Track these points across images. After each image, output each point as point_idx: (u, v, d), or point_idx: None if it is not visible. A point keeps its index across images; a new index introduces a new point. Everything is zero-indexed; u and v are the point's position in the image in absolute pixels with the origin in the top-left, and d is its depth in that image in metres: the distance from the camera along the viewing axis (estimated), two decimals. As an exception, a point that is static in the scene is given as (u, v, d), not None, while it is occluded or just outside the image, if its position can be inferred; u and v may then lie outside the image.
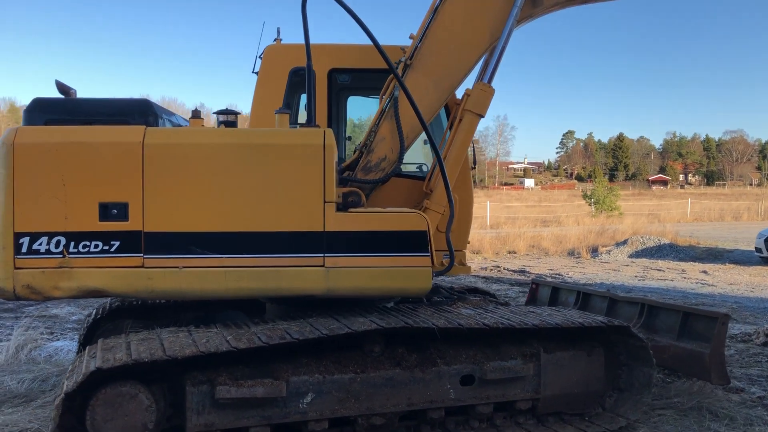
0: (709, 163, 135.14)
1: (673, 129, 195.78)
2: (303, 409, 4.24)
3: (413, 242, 4.43)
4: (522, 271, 16.03)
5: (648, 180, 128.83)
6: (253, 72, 5.82)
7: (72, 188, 4.16)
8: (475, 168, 7.23)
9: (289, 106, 5.78)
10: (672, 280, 14.25)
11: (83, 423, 3.77)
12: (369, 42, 5.17)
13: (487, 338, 4.76)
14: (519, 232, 25.07)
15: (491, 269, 16.57)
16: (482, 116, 5.32)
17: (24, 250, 4.12)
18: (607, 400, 5.11)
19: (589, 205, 37.58)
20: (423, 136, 5.92)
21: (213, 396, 3.99)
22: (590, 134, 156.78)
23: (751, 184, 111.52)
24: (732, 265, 16.89)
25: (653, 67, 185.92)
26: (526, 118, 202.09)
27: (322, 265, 4.33)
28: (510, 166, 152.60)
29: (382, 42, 4.95)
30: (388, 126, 5.30)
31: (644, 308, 6.03)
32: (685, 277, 14.68)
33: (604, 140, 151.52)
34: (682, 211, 39.03)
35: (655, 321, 5.89)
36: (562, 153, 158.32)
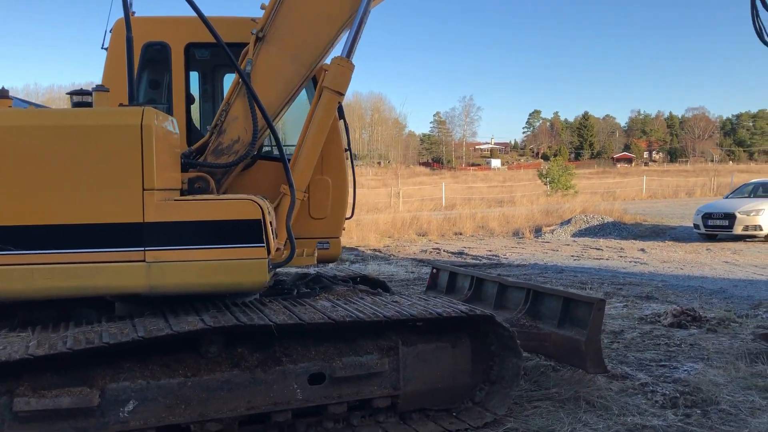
0: (672, 141, 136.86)
1: (638, 107, 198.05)
2: (124, 418, 3.87)
3: (246, 232, 4.05)
4: (461, 253, 15.79)
5: (613, 158, 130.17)
6: (102, 48, 5.37)
7: None
8: (349, 149, 6.89)
9: (142, 83, 5.37)
10: (607, 259, 14.13)
11: None
12: (232, 14, 4.80)
13: (341, 333, 4.42)
14: (470, 213, 24.86)
15: (430, 251, 16.31)
16: (342, 93, 4.95)
17: None
18: (478, 394, 4.83)
19: (545, 184, 37.56)
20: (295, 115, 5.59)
21: (11, 409, 3.60)
22: (556, 114, 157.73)
23: (712, 161, 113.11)
24: (671, 243, 16.86)
25: (618, 46, 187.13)
26: (492, 99, 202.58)
27: (143, 260, 3.94)
28: (477, 147, 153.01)
29: (231, 13, 4.55)
30: (241, 104, 4.91)
31: (530, 294, 5.76)
32: (621, 256, 14.58)
33: (570, 119, 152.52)
34: (638, 189, 39.25)
35: (540, 307, 5.62)
36: (529, 133, 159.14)
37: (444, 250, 16.43)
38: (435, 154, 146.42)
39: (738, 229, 16.07)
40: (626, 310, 8.54)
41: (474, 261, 14.43)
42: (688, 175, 60.09)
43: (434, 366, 4.63)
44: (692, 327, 7.39)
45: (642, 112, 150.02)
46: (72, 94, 4.96)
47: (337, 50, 5.08)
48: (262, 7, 4.95)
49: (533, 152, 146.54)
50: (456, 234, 20.92)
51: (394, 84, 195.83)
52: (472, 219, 23.03)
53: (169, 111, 5.35)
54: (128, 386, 3.87)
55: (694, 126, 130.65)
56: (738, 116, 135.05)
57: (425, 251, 16.40)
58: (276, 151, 5.81)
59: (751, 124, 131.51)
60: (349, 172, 6.18)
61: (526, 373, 5.69)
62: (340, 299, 4.91)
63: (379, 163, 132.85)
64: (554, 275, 12.07)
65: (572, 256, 14.83)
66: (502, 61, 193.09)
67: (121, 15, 5.27)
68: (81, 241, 3.89)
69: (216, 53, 5.50)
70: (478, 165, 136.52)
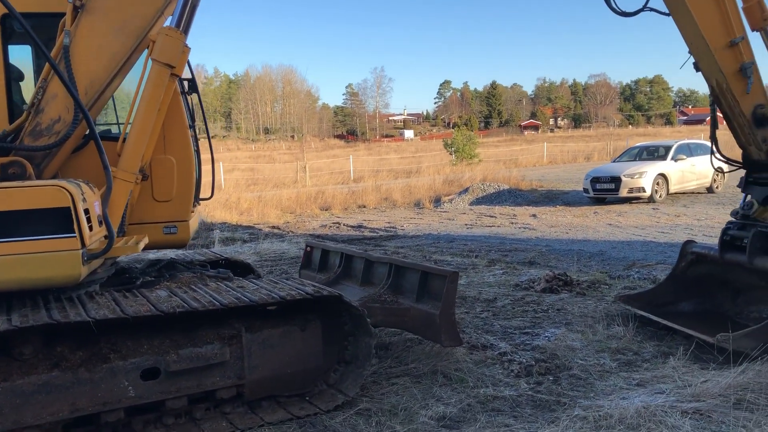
0: (576, 107, 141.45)
1: (544, 75, 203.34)
2: None
3: (54, 222, 3.70)
4: (360, 226, 15.68)
5: (520, 126, 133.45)
6: None
7: None
8: (206, 125, 6.57)
9: None
10: (499, 226, 14.35)
11: None
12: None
13: (177, 323, 4.16)
14: (375, 185, 24.79)
15: (330, 226, 16.12)
16: (172, 66, 4.61)
17: None
18: (332, 376, 4.69)
19: (450, 154, 37.97)
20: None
21: None
22: (465, 83, 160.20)
23: (613, 126, 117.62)
24: (562, 207, 17.33)
25: (523, 16, 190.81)
26: (403, 70, 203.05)
27: (-65, 258, 3.54)
28: (390, 118, 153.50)
29: None
30: (60, 81, 4.48)
31: (392, 269, 5.66)
32: (512, 222, 14.85)
33: (480, 89, 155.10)
34: (539, 155, 40.29)
35: (403, 282, 5.53)
36: (440, 103, 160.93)
37: (344, 224, 16.27)
38: (349, 126, 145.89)
39: (623, 192, 16.67)
40: (505, 277, 8.63)
41: (371, 234, 14.35)
42: (590, 140, 62.13)
43: (283, 351, 4.45)
44: (563, 291, 7.53)
45: (547, 79, 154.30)
46: None
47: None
48: (78, -27, 4.51)
49: (445, 122, 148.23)
50: (360, 207, 20.80)
51: (304, 56, 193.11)
52: (376, 191, 22.99)
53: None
54: (-75, 397, 3.49)
55: (596, 92, 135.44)
56: (636, 82, 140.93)
57: (325, 226, 16.19)
58: (115, 130, 5.44)
59: (648, 89, 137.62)
60: (201, 150, 5.87)
61: (389, 349, 5.62)
62: (181, 287, 4.64)
63: (292, 136, 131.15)
64: (446, 244, 12.14)
65: (466, 224, 14.99)
66: (412, 31, 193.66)
67: None
68: None
69: (44, 25, 5.02)
70: (392, 136, 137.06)
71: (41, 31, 4.77)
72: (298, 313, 4.53)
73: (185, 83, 6.11)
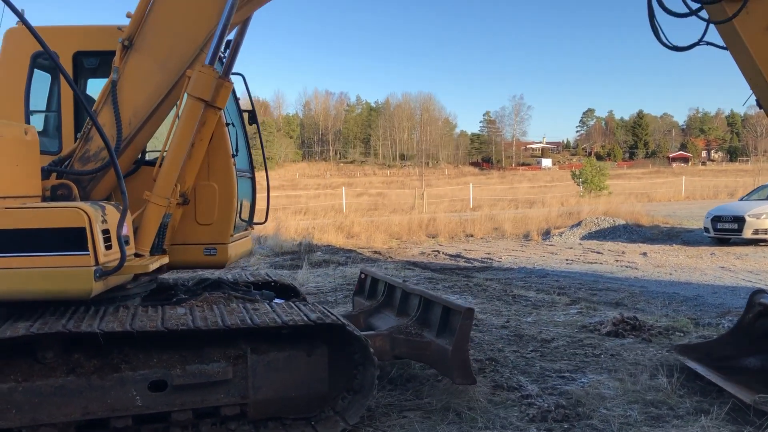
0: (732, 139, 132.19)
1: (696, 105, 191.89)
2: (-49, 420, 3.97)
3: (70, 240, 4.09)
4: (458, 256, 15.62)
5: (668, 157, 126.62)
6: None
7: None
8: (263, 153, 6.91)
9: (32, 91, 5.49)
10: (601, 263, 13.73)
11: None
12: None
13: (188, 340, 4.43)
14: (489, 215, 24.57)
15: (429, 254, 16.19)
16: (205, 100, 4.95)
17: None
18: (339, 403, 4.75)
19: (578, 185, 36.74)
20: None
21: None
22: (611, 112, 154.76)
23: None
24: (679, 246, 16.26)
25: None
26: (543, 98, 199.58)
27: (-27, 267, 4.04)
28: (528, 147, 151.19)
29: (100, 22, 4.63)
30: (108, 111, 4.98)
31: (421, 301, 5.66)
32: (617, 260, 14.14)
33: (626, 118, 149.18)
34: (677, 190, 37.99)
35: (430, 315, 5.51)
36: (582, 132, 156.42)
37: (443, 253, 16.28)
38: (485, 154, 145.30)
39: (747, 233, 15.36)
40: (578, 317, 8.28)
41: (465, 264, 14.26)
42: (746, 174, 57.80)
43: (288, 374, 4.58)
44: (629, 336, 7.12)
45: (701, 110, 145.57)
46: None
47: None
48: (128, 15, 5.00)
49: (586, 151, 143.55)
50: (467, 236, 20.70)
51: (443, 83, 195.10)
52: (489, 221, 22.79)
53: (58, 118, 5.47)
54: (-43, 390, 3.97)
55: (757, 124, 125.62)
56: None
57: (423, 253, 16.28)
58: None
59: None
60: (243, 177, 6.19)
61: (411, 381, 5.60)
62: (202, 306, 4.92)
63: (427, 163, 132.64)
64: (536, 279, 11.81)
65: (567, 259, 14.47)
66: (553, 58, 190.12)
67: (11, 25, 5.44)
68: None
69: (106, 61, 5.59)
70: (529, 165, 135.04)
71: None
72: (305, 339, 4.66)
73: (245, 114, 6.53)
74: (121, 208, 4.63)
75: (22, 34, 5.46)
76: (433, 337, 5.23)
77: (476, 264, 14.20)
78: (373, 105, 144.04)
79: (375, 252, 16.69)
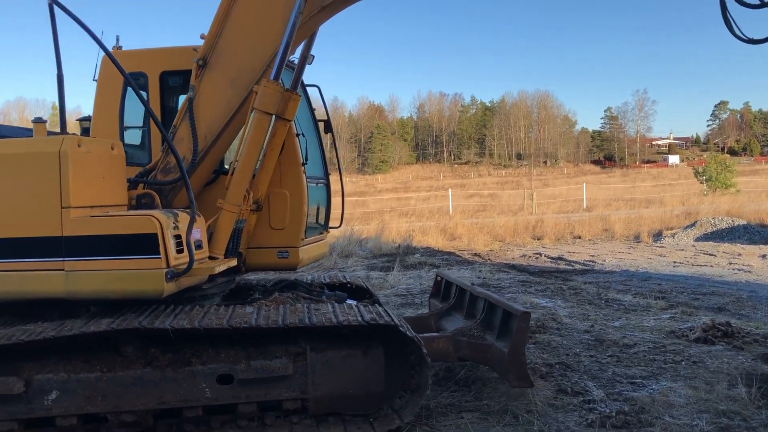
0: None
1: None
2: (47, 405, 4.49)
3: (143, 245, 4.51)
4: (560, 258, 15.30)
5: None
6: (93, 80, 6.11)
7: None
8: (338, 160, 7.16)
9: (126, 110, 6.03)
10: (711, 266, 13.00)
11: None
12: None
13: (252, 337, 4.74)
14: (600, 215, 23.81)
15: (530, 256, 15.96)
16: (271, 114, 5.26)
17: None
18: (397, 401, 4.90)
19: (701, 183, 34.65)
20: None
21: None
22: (746, 104, 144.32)
23: None
24: (807, 248, 15.05)
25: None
26: (669, 91, 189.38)
27: (62, 269, 4.55)
28: (653, 143, 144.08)
29: (176, 43, 5.07)
30: (186, 126, 5.40)
31: (485, 304, 5.69)
32: (731, 263, 13.32)
33: (765, 109, 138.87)
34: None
35: (493, 318, 5.54)
36: (714, 126, 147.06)
37: (545, 255, 15.99)
38: (607, 151, 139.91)
39: None
40: (669, 322, 7.95)
41: (566, 267, 13.97)
42: None
43: (345, 372, 4.79)
44: (719, 343, 6.76)
45: None
46: (81, 120, 5.79)
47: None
48: (202, 37, 5.41)
49: (718, 147, 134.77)
50: (574, 238, 20.17)
51: (561, 80, 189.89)
52: (601, 221, 22.10)
53: (148, 134, 5.99)
54: (52, 378, 4.49)
55: None
56: None
57: (524, 256, 16.07)
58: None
59: None
60: (316, 184, 6.47)
61: (474, 383, 5.65)
62: (270, 306, 5.23)
63: (545, 162, 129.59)
64: (636, 283, 11.39)
65: (674, 262, 13.80)
66: (680, 48, 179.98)
67: (110, 49, 6.03)
68: (11, 252, 4.57)
69: (188, 79, 6.05)
70: (654, 162, 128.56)
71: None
72: (361, 339, 4.84)
73: (321, 124, 6.84)
74: (197, 215, 5.04)
75: (118, 57, 6.04)
76: (494, 340, 5.27)
77: (577, 267, 13.86)
78: (488, 104, 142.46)
79: (475, 254, 16.66)
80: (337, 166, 7.25)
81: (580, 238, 20.05)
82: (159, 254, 4.51)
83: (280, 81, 5.67)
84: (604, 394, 5.30)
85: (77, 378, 4.52)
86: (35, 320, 4.97)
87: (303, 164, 5.93)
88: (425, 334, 5.61)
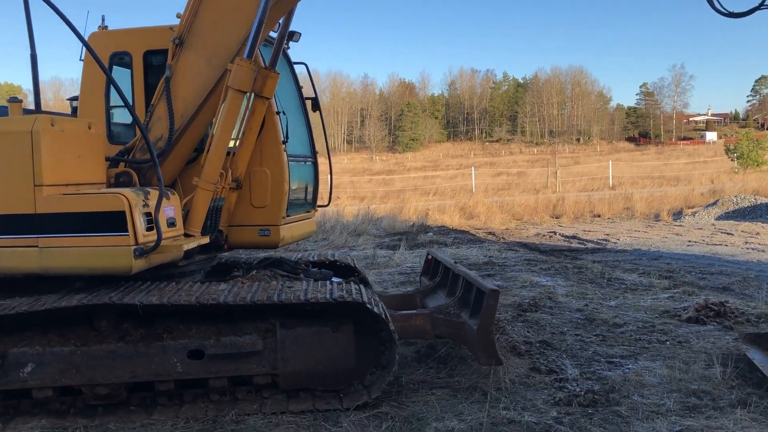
0: None
1: None
2: (23, 378, 4.64)
3: (112, 222, 4.59)
4: (573, 237, 15.15)
5: None
6: (80, 59, 6.19)
7: None
8: (325, 139, 7.16)
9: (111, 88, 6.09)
10: (726, 245, 12.74)
11: None
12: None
13: (222, 313, 4.82)
14: (622, 193, 23.45)
15: (544, 235, 15.83)
16: (245, 92, 5.28)
17: None
18: (368, 378, 4.94)
19: (732, 160, 33.82)
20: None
21: None
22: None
23: None
24: (830, 227, 14.64)
25: None
26: (707, 66, 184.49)
27: (36, 246, 4.67)
28: (690, 119, 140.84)
29: (164, 22, 5.13)
30: (163, 105, 5.46)
31: (463, 282, 5.69)
32: (746, 242, 13.04)
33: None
34: None
35: (470, 296, 5.53)
36: (754, 101, 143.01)
37: (559, 234, 15.84)
38: (642, 128, 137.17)
39: None
40: (666, 302, 7.84)
41: (578, 245, 13.83)
42: None
43: (314, 349, 4.83)
44: (711, 323, 6.66)
45: None
46: (71, 99, 5.91)
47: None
48: (178, 16, 5.44)
49: (757, 123, 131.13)
50: (594, 216, 19.93)
51: (596, 56, 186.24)
52: (622, 200, 21.76)
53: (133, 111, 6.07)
54: (27, 351, 4.63)
55: None
56: None
57: (539, 235, 15.95)
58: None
59: None
60: (301, 162, 6.49)
61: (451, 360, 5.66)
62: (245, 283, 5.29)
63: (578, 139, 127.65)
64: (646, 262, 11.23)
65: (689, 241, 13.56)
66: (718, 22, 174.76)
67: (95, 29, 6.10)
68: None
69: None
70: (690, 139, 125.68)
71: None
72: (329, 316, 4.88)
73: (309, 102, 6.85)
74: (171, 193, 5.12)
75: (103, 36, 6.12)
76: (467, 318, 5.27)
77: (589, 245, 13.71)
78: (520, 81, 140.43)
79: (488, 233, 16.58)
80: (325, 146, 7.24)
81: (599, 216, 19.80)
82: (127, 231, 4.60)
83: (261, 59, 5.69)
84: (579, 372, 5.27)
85: (52, 351, 4.66)
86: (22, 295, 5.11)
87: (284, 142, 5.96)
88: (402, 312, 5.63)
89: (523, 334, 6.44)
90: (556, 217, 19.79)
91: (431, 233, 16.08)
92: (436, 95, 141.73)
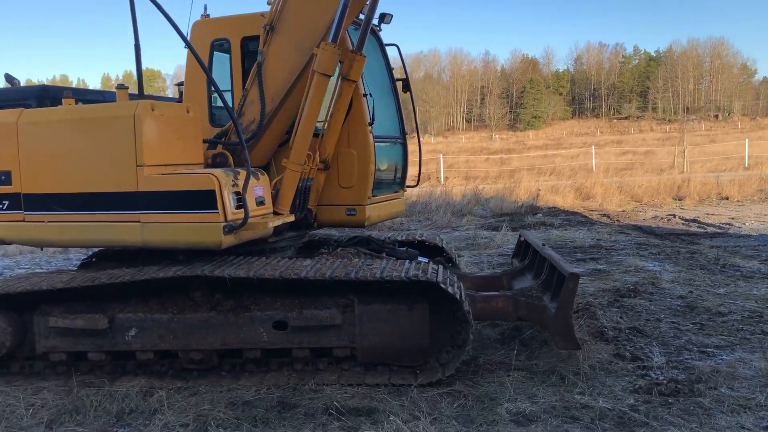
0: None
1: None
2: (128, 341, 5.12)
3: (203, 200, 4.90)
4: (692, 221, 14.28)
5: None
6: (184, 47, 6.59)
7: None
8: (416, 120, 7.20)
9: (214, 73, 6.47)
10: None
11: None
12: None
13: (305, 287, 5.04)
14: (762, 174, 21.75)
15: (661, 218, 15.03)
16: (329, 75, 5.44)
17: None
18: (444, 356, 5.02)
19: None
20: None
21: (48, 325, 5.09)
22: None
23: None
24: None
25: None
26: None
27: (138, 221, 5.09)
28: None
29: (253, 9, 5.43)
30: (255, 90, 5.74)
31: (547, 265, 5.60)
32: None
33: None
34: None
35: (553, 279, 5.44)
36: None
37: (679, 217, 14.98)
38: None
39: None
40: (783, 290, 7.31)
41: (697, 230, 13.04)
42: None
43: (390, 325, 4.95)
44: (829, 316, 6.15)
45: None
46: (179, 85, 6.39)
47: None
48: (269, 3, 5.67)
49: None
50: (721, 199, 18.64)
51: (740, 25, 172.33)
52: (758, 181, 20.22)
53: (232, 96, 6.42)
54: (131, 317, 5.10)
55: None
56: None
57: (656, 218, 15.17)
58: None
59: None
60: (389, 143, 6.59)
61: (533, 343, 5.60)
62: (329, 259, 5.50)
63: (716, 116, 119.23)
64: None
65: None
66: None
67: (197, 18, 6.48)
68: (95, 205, 5.17)
69: None
70: None
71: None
72: (407, 294, 4.98)
73: (400, 83, 6.94)
74: (256, 173, 5.39)
75: (204, 24, 6.49)
76: (548, 302, 5.20)
77: (710, 230, 12.90)
78: (652, 55, 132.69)
79: (602, 215, 15.98)
80: (415, 127, 7.30)
81: (727, 199, 18.49)
82: (217, 209, 4.90)
83: (350, 42, 5.83)
84: (665, 361, 5.07)
85: (153, 318, 5.09)
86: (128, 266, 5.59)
87: (370, 124, 6.08)
88: (484, 293, 5.63)
89: (614, 319, 6.24)
90: (679, 200, 18.70)
91: (540, 214, 15.72)
92: (560, 71, 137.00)
